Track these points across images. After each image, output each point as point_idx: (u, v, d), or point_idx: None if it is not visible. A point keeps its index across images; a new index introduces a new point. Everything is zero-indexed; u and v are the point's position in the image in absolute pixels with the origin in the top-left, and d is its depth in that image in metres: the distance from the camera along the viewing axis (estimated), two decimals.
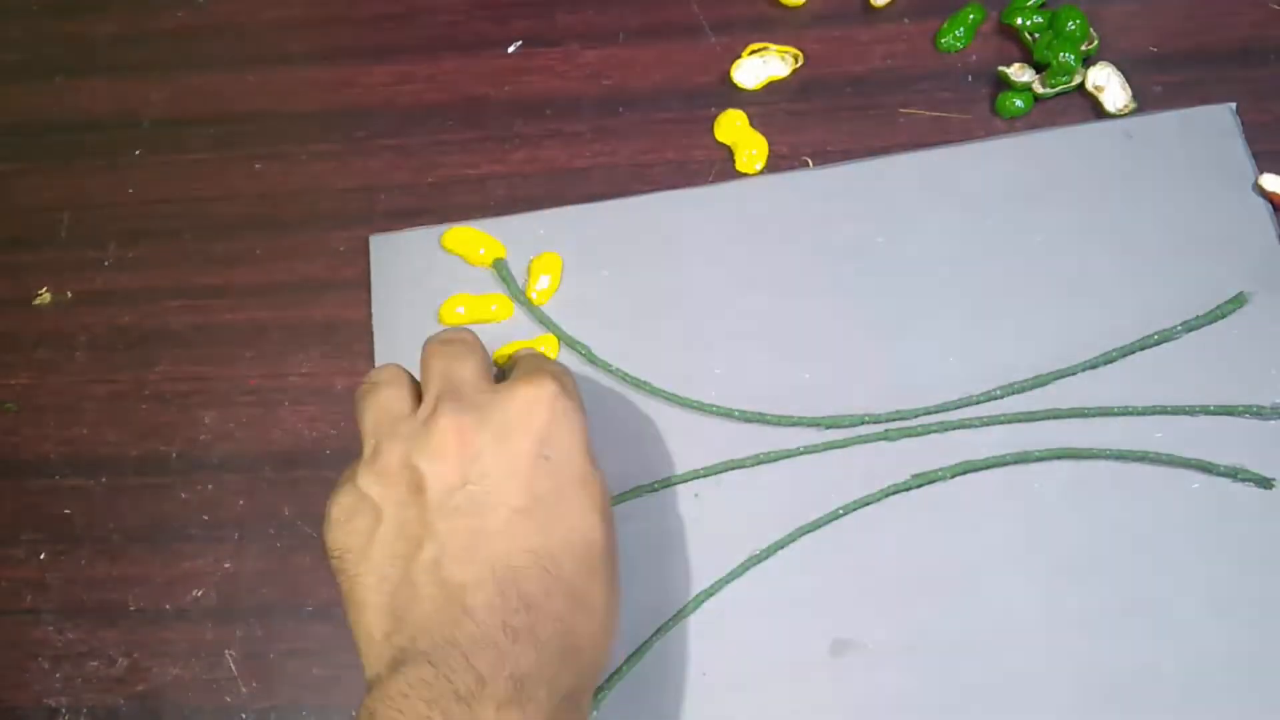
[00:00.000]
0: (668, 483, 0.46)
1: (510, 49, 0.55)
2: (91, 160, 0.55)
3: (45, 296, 0.53)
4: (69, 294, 0.53)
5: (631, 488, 0.46)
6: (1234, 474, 0.43)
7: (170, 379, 0.51)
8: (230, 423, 0.49)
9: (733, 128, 0.51)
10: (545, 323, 0.49)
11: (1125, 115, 0.49)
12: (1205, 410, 0.44)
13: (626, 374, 0.47)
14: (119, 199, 0.54)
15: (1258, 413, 0.44)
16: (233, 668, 0.46)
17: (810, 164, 0.51)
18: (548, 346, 0.48)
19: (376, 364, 0.49)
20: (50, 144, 0.56)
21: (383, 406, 0.40)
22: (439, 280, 0.50)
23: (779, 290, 0.48)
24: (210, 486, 0.49)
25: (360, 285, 0.51)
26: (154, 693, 0.46)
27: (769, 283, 0.48)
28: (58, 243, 0.54)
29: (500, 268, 0.50)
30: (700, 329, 0.48)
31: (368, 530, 0.37)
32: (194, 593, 0.47)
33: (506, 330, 0.49)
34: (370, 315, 0.50)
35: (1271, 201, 0.47)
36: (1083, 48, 0.50)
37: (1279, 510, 0.43)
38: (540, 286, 0.49)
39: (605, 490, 0.39)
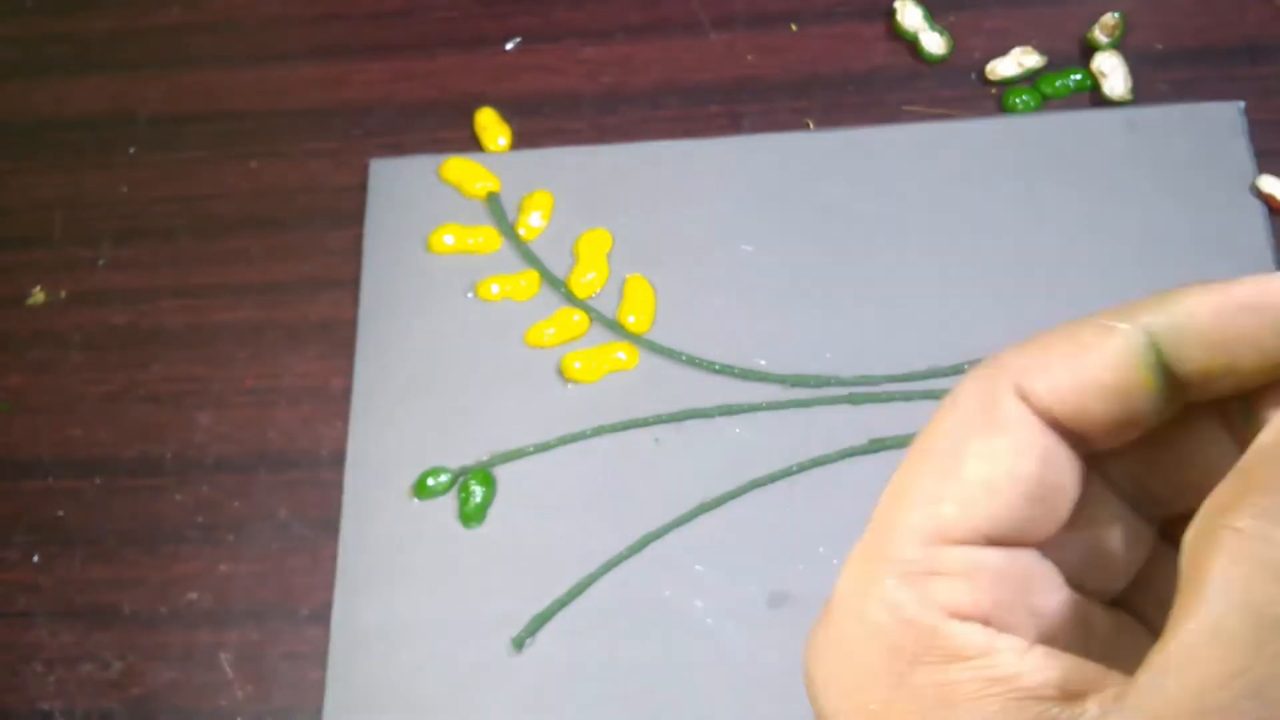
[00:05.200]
0: (630, 424, 0.46)
1: (508, 46, 0.55)
2: (85, 158, 0.55)
3: (39, 296, 0.52)
4: (63, 293, 0.52)
5: (595, 426, 0.46)
6: None
7: (165, 379, 0.50)
8: (225, 424, 0.49)
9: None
10: (530, 259, 0.49)
11: (1123, 105, 0.49)
12: None
13: (602, 315, 0.48)
14: (113, 197, 0.54)
15: None
16: (228, 671, 0.45)
17: (811, 125, 0.51)
18: (528, 282, 0.49)
19: (362, 289, 0.49)
20: (44, 142, 0.56)
21: None
22: (433, 208, 0.51)
23: (763, 246, 0.49)
24: (205, 488, 0.48)
25: (357, 284, 0.50)
26: (148, 696, 0.45)
27: (754, 238, 0.49)
28: (51, 242, 0.53)
29: (492, 201, 0.50)
30: (680, 278, 0.49)
31: None
32: (189, 595, 0.47)
33: (492, 263, 0.50)
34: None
35: (1268, 203, 0.47)
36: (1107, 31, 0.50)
37: None
38: (531, 223, 0.50)
39: None
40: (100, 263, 0.53)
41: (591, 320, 0.48)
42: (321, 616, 0.46)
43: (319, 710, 0.44)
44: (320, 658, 0.45)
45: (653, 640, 0.43)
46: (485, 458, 0.47)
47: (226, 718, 0.45)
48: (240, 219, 0.53)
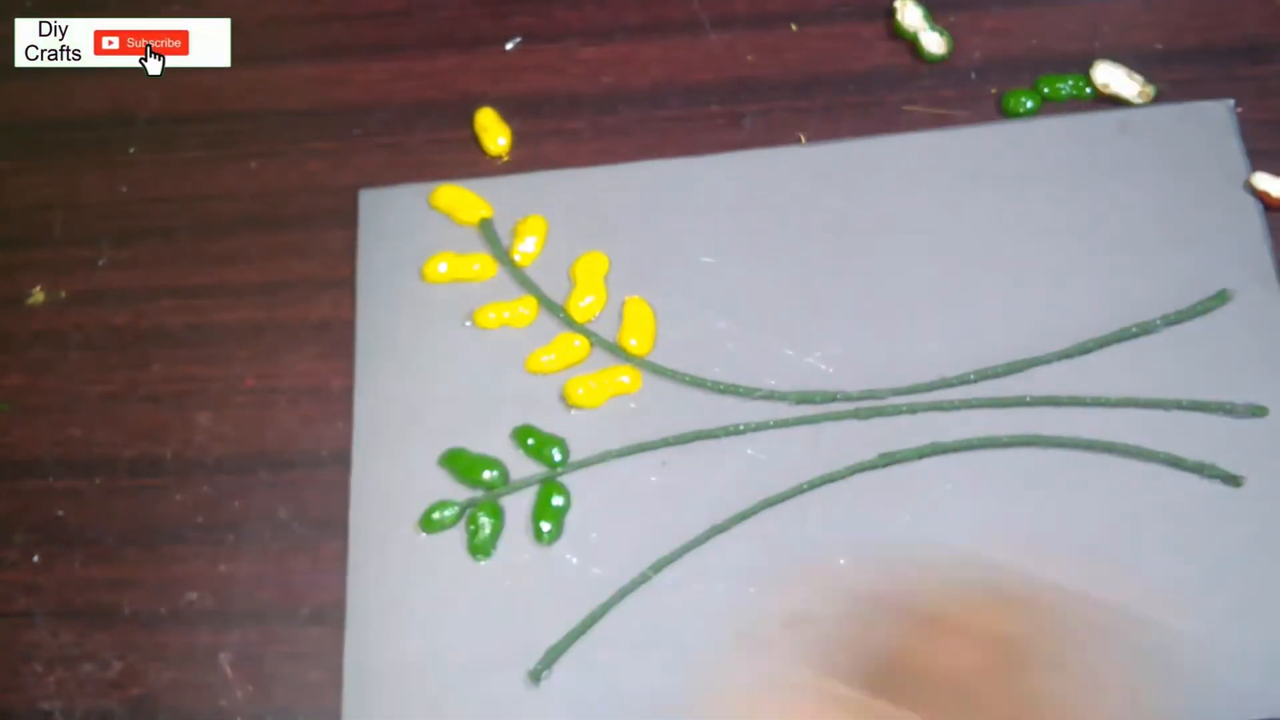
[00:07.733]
0: (637, 448, 0.46)
1: (508, 45, 0.55)
2: (85, 158, 0.55)
3: (38, 296, 0.52)
4: (62, 293, 0.52)
5: (599, 452, 0.46)
6: (1201, 470, 0.43)
7: (165, 379, 0.50)
8: (225, 423, 0.49)
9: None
10: (527, 285, 0.49)
11: (1144, 104, 0.49)
12: (1178, 405, 0.44)
13: (603, 339, 0.48)
14: (113, 197, 0.54)
15: (1230, 411, 0.44)
16: (228, 672, 0.45)
17: (803, 140, 0.51)
18: (527, 308, 0.48)
19: (358, 322, 0.49)
20: (44, 142, 0.56)
21: None
22: (426, 237, 0.50)
23: (761, 263, 0.48)
24: (205, 488, 0.48)
25: (356, 284, 0.50)
26: (148, 697, 0.45)
27: (752, 255, 0.49)
28: (51, 242, 0.53)
29: (486, 228, 0.50)
30: (680, 298, 0.48)
31: None
32: (189, 596, 0.47)
33: (488, 290, 0.49)
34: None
35: (1262, 200, 0.47)
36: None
37: (1244, 508, 0.43)
38: (525, 248, 0.50)
39: None
40: (100, 263, 0.53)
41: (592, 345, 0.48)
42: (322, 617, 0.46)
43: (319, 710, 0.44)
44: (320, 658, 0.45)
45: (670, 665, 0.43)
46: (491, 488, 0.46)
47: (226, 718, 0.45)
48: (239, 219, 0.53)
